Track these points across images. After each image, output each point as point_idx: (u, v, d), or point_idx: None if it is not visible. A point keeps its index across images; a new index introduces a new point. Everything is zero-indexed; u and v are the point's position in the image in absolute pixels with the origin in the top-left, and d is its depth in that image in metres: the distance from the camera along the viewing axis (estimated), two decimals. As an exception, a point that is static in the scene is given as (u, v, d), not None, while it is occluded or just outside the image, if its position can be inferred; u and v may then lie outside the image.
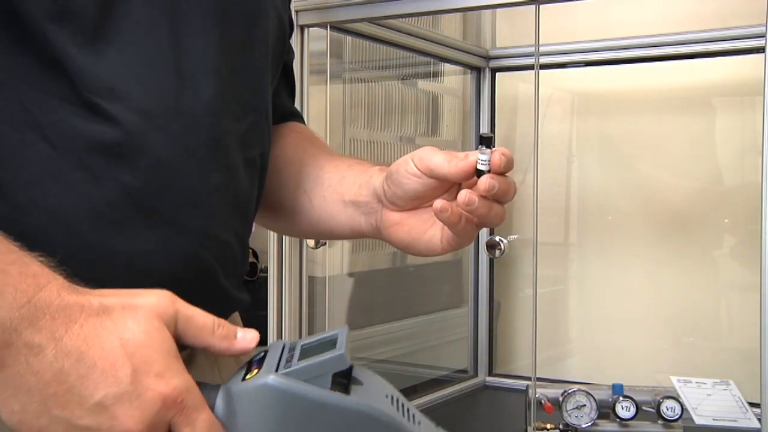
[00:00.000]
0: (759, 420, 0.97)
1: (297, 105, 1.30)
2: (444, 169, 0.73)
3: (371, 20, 1.40)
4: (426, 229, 0.78)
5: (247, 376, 0.53)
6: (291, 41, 1.28)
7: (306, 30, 1.32)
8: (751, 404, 1.41)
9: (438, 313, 1.83)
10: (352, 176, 0.86)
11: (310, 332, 1.36)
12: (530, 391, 1.42)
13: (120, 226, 0.67)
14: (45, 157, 0.65)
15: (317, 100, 1.39)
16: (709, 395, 1.46)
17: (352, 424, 0.52)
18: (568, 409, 1.41)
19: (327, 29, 1.34)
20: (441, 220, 0.73)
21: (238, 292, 0.79)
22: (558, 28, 1.69)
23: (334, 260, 1.58)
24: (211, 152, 0.72)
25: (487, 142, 0.70)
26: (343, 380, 0.54)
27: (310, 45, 1.33)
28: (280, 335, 1.33)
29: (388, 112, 1.75)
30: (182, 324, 0.56)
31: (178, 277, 0.68)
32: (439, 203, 0.71)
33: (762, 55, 0.99)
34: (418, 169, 0.74)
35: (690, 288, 1.74)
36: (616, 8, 1.67)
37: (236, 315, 0.86)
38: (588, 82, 1.86)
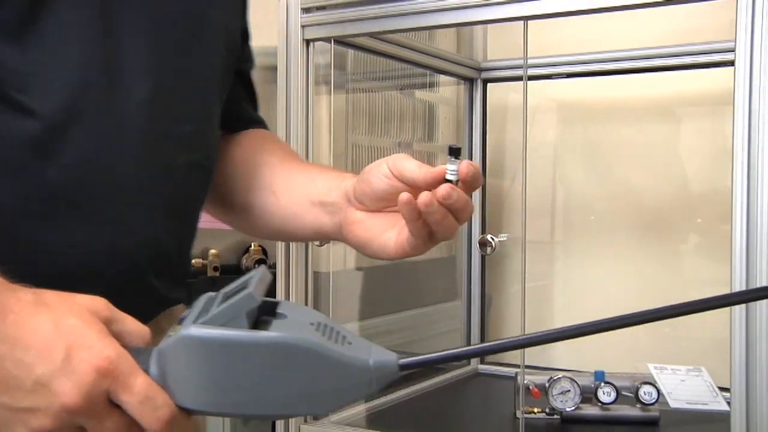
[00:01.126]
0: (728, 403, 0.98)
1: (302, 114, 1.31)
2: (414, 173, 0.71)
3: (372, 35, 1.40)
4: (383, 231, 0.75)
5: (171, 333, 0.52)
6: (297, 55, 1.29)
7: (311, 44, 1.32)
8: (721, 389, 1.42)
9: (434, 306, 1.83)
10: (322, 180, 0.84)
11: (315, 323, 1.37)
12: (519, 377, 1.43)
13: (46, 220, 0.64)
14: None
15: (322, 109, 1.40)
16: (683, 381, 1.46)
17: (272, 355, 0.50)
18: (553, 394, 1.42)
19: (331, 43, 1.35)
20: (402, 212, 0.70)
21: (170, 291, 0.76)
22: (545, 42, 1.70)
23: (338, 257, 1.59)
24: (145, 152, 0.69)
25: (455, 153, 0.69)
26: (268, 318, 0.53)
27: (316, 58, 1.33)
28: (287, 326, 1.33)
29: (388, 119, 1.75)
30: (117, 327, 0.54)
31: (104, 272, 0.66)
32: (405, 195, 0.69)
33: (732, 68, 1.00)
34: (390, 170, 0.73)
35: (665, 282, 1.74)
36: (598, 24, 1.67)
37: (181, 307, 0.81)
38: (572, 93, 1.87)
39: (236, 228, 0.96)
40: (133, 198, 0.69)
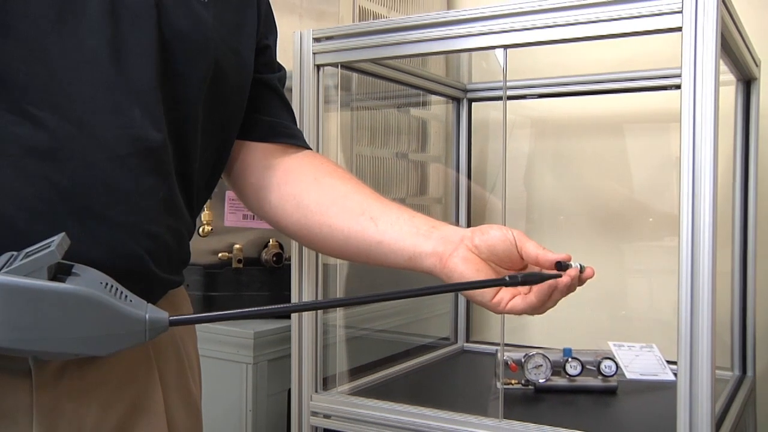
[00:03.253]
0: (675, 374, 1.01)
1: (314, 129, 1.32)
2: (538, 250, 0.75)
3: (373, 61, 1.42)
4: (488, 276, 0.75)
5: None
6: (309, 78, 1.30)
7: (321, 69, 1.33)
8: (669, 362, 1.46)
9: (426, 293, 1.83)
10: (423, 218, 0.80)
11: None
12: (499, 354, 1.44)
13: (51, 219, 0.64)
14: None
15: (330, 125, 1.41)
16: (637, 356, 1.48)
17: (65, 303, 0.53)
18: (528, 368, 1.44)
19: (338, 68, 1.36)
20: (559, 284, 0.73)
21: (171, 275, 0.76)
22: (522, 67, 1.71)
23: (344, 251, 1.58)
24: (143, 160, 0.69)
25: (564, 267, 0.75)
26: (64, 276, 0.55)
27: (325, 81, 1.35)
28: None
29: (387, 133, 1.77)
30: None
31: (106, 265, 0.64)
32: (573, 274, 0.73)
33: (676, 91, 1.02)
34: (513, 236, 0.74)
35: (623, 272, 1.77)
36: (568, 52, 1.69)
37: (180, 290, 0.82)
38: (545, 111, 1.88)
39: (329, 253, 0.89)
40: (131, 199, 0.68)
